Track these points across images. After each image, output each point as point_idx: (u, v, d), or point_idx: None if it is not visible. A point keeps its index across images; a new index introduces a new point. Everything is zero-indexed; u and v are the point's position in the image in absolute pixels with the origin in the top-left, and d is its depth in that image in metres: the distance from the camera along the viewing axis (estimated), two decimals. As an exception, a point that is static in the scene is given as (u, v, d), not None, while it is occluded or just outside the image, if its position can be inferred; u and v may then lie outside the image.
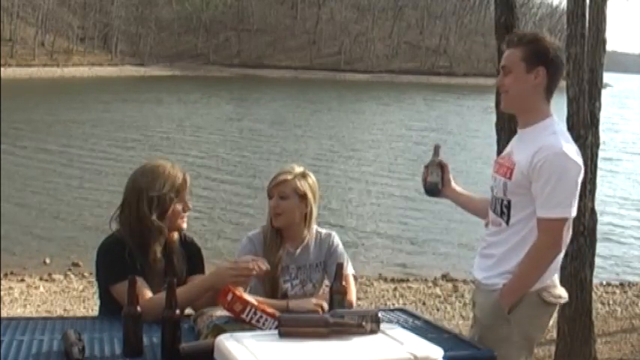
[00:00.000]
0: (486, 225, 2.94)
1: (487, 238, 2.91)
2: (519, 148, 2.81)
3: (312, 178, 3.13)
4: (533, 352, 2.87)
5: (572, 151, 2.70)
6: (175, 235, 3.03)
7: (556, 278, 2.85)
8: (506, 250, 2.78)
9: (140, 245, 2.89)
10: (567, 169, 2.66)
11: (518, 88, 2.79)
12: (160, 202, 2.89)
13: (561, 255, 2.81)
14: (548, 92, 2.81)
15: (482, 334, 2.84)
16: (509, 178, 2.75)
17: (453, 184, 3.17)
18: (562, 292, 2.84)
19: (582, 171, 2.72)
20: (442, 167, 3.14)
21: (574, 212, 2.72)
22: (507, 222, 2.78)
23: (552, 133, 2.74)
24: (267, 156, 22.73)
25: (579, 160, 2.71)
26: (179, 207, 2.94)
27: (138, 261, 2.86)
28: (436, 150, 3.17)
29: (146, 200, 2.90)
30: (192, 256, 3.08)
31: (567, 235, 2.78)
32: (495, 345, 2.71)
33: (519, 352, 2.79)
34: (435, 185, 3.14)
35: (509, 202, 2.77)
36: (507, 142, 5.93)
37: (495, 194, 2.84)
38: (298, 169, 3.11)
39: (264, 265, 2.71)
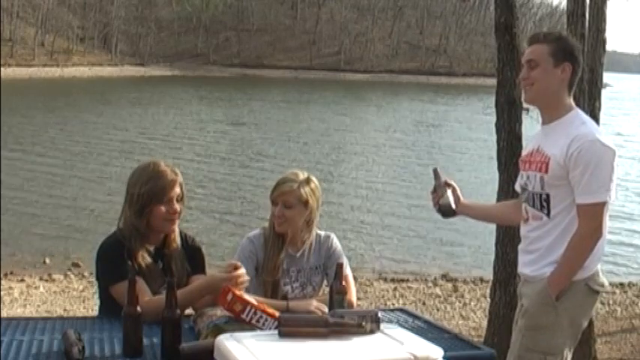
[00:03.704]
0: (525, 221, 2.96)
1: (529, 235, 2.94)
2: (549, 142, 2.86)
3: (314, 183, 3.12)
4: (577, 339, 2.91)
5: (604, 138, 2.80)
6: (177, 237, 3.02)
7: (599, 267, 2.89)
8: (550, 242, 2.84)
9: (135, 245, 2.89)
10: (603, 154, 2.75)
11: (546, 81, 2.86)
12: (138, 201, 2.89)
13: (604, 242, 2.86)
14: (570, 88, 2.91)
15: (529, 322, 2.88)
16: (546, 171, 2.81)
17: (463, 200, 3.21)
18: (605, 281, 2.91)
19: (616, 156, 2.79)
20: (449, 186, 3.17)
21: (613, 196, 2.79)
22: (548, 215, 2.84)
23: (582, 123, 2.84)
24: (257, 160, 22.56)
25: (612, 146, 2.79)
26: (163, 208, 2.89)
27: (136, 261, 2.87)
28: (436, 173, 3.17)
29: (128, 198, 2.92)
30: (194, 257, 3.08)
31: (607, 220, 2.84)
32: (543, 332, 2.79)
33: (565, 339, 2.84)
34: (449, 206, 3.13)
35: (547, 195, 2.83)
36: (507, 142, 5.98)
37: (532, 189, 2.89)
38: (302, 176, 3.10)
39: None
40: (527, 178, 2.92)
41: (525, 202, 2.95)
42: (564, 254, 2.78)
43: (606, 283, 2.91)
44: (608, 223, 2.85)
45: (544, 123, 2.95)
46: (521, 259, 3.00)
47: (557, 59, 2.84)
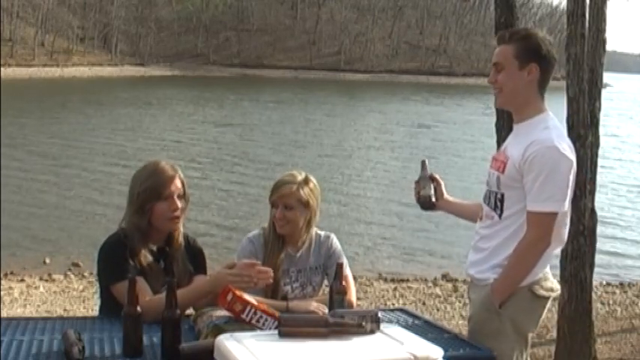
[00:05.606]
0: (480, 218, 2.94)
1: (480, 231, 2.91)
2: (513, 143, 2.82)
3: (313, 182, 3.12)
4: (527, 346, 2.85)
5: (564, 145, 2.70)
6: (180, 236, 3.03)
7: (548, 271, 2.84)
8: (497, 243, 2.79)
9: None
10: (558, 163, 2.66)
11: (512, 85, 2.79)
12: (139, 199, 2.90)
13: (555, 250, 2.81)
14: (542, 87, 2.82)
15: (474, 328, 2.85)
16: (503, 171, 2.77)
17: (446, 195, 3.19)
18: (554, 285, 2.84)
19: (574, 167, 2.72)
20: (433, 180, 3.16)
21: (565, 207, 2.71)
22: (500, 215, 2.79)
23: (545, 127, 2.75)
24: (250, 161, 22.48)
25: (572, 155, 2.71)
26: (164, 205, 2.90)
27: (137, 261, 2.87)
28: (423, 165, 3.18)
29: (130, 197, 2.95)
30: (195, 258, 3.08)
31: (564, 230, 2.79)
32: (487, 340, 2.72)
33: (512, 346, 2.78)
34: (429, 198, 3.14)
35: (502, 195, 2.78)
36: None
37: (490, 187, 2.86)
38: (300, 177, 3.09)
39: (269, 276, 2.70)
40: (489, 175, 2.89)
41: (483, 199, 2.92)
42: (509, 261, 2.73)
43: (556, 287, 2.84)
44: (566, 233, 2.79)
45: (514, 123, 2.90)
46: (470, 256, 2.95)
47: (522, 61, 2.75)
